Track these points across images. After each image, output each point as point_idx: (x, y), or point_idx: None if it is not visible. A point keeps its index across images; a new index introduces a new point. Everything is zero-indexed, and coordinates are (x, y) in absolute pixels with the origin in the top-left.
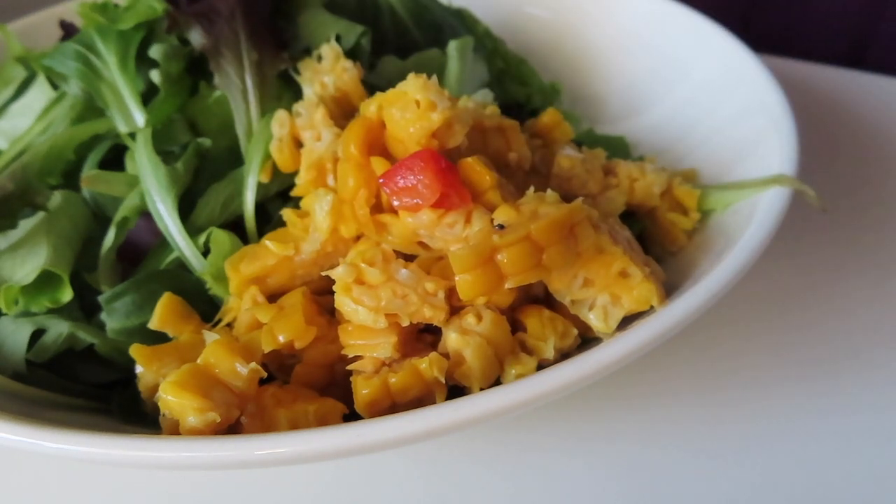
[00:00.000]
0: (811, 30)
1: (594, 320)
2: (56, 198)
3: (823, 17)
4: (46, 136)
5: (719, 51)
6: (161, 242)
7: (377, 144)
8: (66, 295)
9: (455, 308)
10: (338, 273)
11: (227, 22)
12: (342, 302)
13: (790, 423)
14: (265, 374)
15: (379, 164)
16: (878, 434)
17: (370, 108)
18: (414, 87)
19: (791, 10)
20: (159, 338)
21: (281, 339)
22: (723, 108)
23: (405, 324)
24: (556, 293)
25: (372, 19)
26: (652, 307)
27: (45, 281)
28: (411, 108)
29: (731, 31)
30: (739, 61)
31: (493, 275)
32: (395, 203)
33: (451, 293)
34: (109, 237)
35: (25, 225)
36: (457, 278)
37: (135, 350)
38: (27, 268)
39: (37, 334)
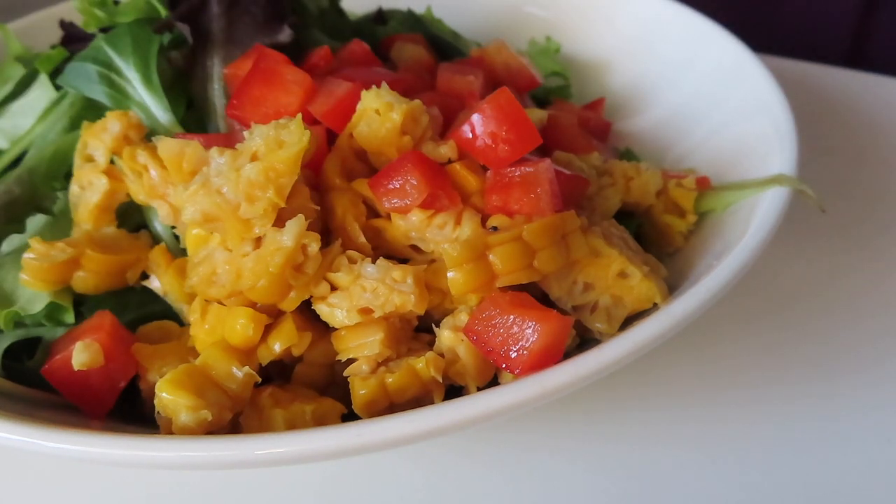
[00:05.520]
0: (811, 30)
1: (597, 323)
2: (61, 201)
3: (823, 17)
4: (49, 137)
5: (719, 51)
6: None
7: (357, 171)
8: (69, 318)
9: (449, 310)
10: (316, 291)
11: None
12: (318, 308)
13: (790, 423)
14: (259, 380)
15: (361, 187)
16: (878, 434)
17: (342, 140)
18: (369, 99)
19: (791, 10)
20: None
21: (276, 348)
22: (723, 108)
23: (378, 315)
24: (557, 301)
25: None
26: (655, 304)
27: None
28: (374, 119)
29: (731, 31)
30: (739, 61)
31: (485, 272)
32: (386, 205)
33: (445, 296)
34: None
35: (31, 229)
36: (448, 274)
37: (137, 349)
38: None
39: (33, 342)
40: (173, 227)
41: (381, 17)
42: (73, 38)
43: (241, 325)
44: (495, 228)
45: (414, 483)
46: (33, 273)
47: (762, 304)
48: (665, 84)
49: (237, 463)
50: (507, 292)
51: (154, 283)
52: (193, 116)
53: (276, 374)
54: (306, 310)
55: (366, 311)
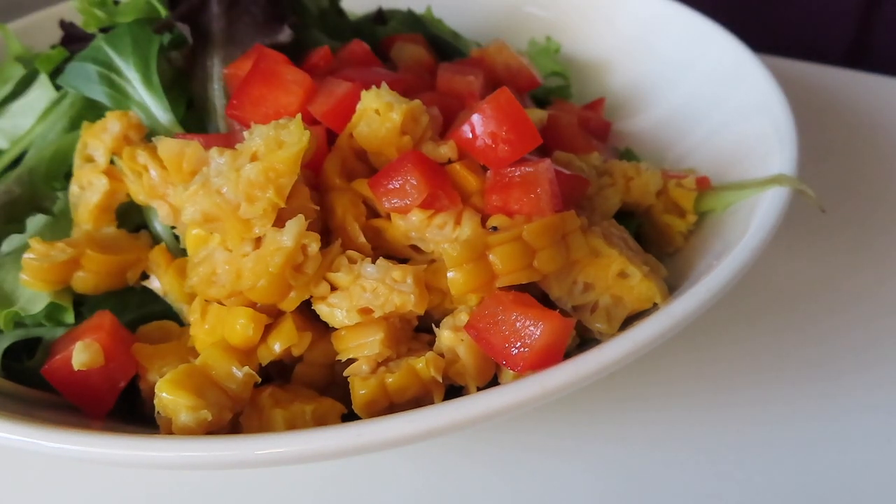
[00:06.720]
0: (811, 30)
1: (597, 323)
2: (61, 201)
3: (823, 17)
4: (49, 137)
5: (719, 51)
6: None
7: (357, 171)
8: (69, 318)
9: (449, 310)
10: (316, 291)
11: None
12: (318, 308)
13: (790, 424)
14: (259, 380)
15: (361, 187)
16: (878, 434)
17: (342, 140)
18: (369, 99)
19: (791, 10)
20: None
21: (276, 348)
22: (723, 108)
23: (378, 315)
24: (557, 301)
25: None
26: (655, 304)
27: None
28: (374, 119)
29: (731, 31)
30: (739, 61)
31: (485, 271)
32: (386, 205)
33: (445, 296)
34: None
35: (31, 229)
36: (448, 274)
37: (137, 349)
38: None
39: (33, 342)
40: (173, 227)
41: (381, 17)
42: (73, 38)
43: (241, 325)
44: (495, 228)
45: (414, 483)
46: (33, 273)
47: (762, 304)
48: (665, 84)
49: (237, 463)
50: (509, 292)
51: (154, 283)
52: (193, 116)
53: (276, 374)
54: (306, 310)
55: (366, 311)
